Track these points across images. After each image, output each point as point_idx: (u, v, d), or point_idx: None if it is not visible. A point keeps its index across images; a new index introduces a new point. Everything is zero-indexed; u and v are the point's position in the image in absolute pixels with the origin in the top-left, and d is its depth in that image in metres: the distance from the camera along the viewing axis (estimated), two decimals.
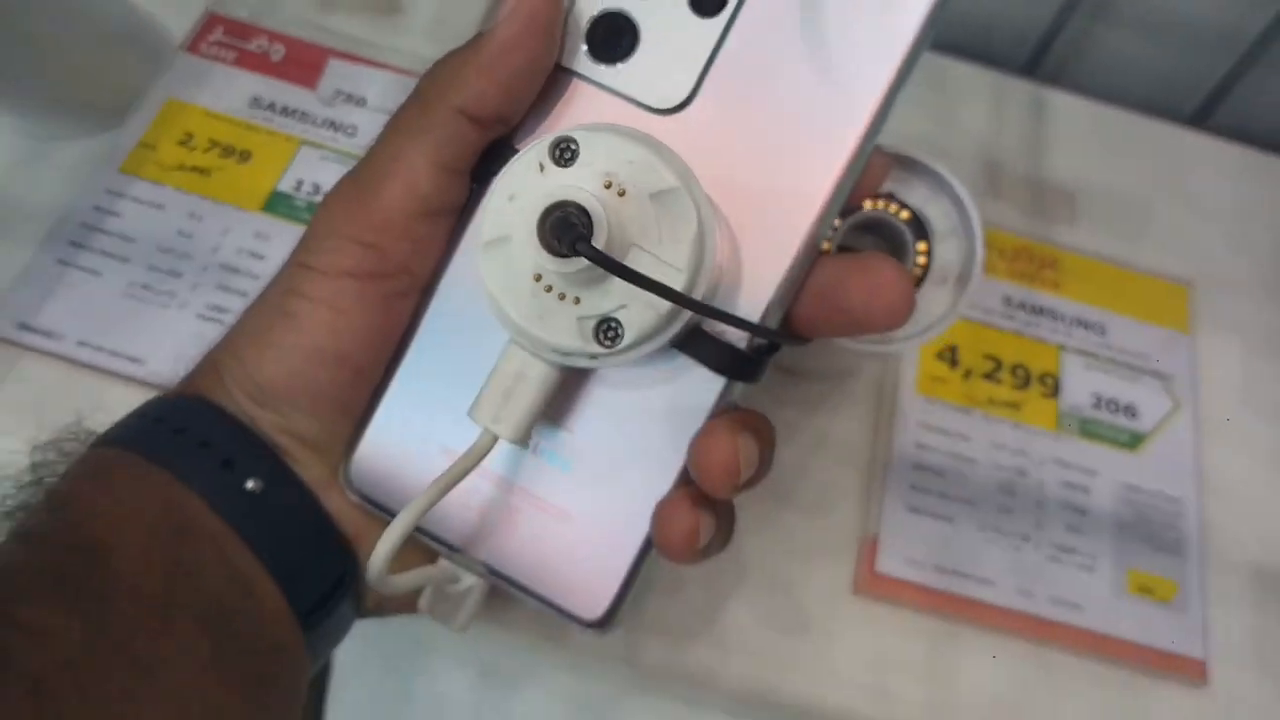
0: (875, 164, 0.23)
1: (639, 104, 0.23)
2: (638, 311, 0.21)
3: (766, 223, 0.22)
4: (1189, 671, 0.35)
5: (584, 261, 0.20)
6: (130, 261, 0.37)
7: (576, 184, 0.21)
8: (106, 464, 0.25)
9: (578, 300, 0.21)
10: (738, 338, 0.23)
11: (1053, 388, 0.40)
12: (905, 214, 0.33)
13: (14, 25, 0.35)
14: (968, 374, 0.40)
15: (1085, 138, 0.47)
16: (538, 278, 0.21)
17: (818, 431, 0.38)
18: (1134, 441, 0.39)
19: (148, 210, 0.39)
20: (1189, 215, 0.46)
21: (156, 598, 0.22)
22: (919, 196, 0.33)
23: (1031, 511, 0.37)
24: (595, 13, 0.23)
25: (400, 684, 0.39)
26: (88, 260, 0.37)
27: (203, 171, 0.40)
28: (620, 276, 0.20)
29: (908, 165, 0.34)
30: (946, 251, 0.33)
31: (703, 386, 0.23)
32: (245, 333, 0.25)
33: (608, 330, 0.21)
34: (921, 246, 0.33)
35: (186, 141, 0.41)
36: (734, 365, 0.23)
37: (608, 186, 0.21)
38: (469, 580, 0.26)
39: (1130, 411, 0.40)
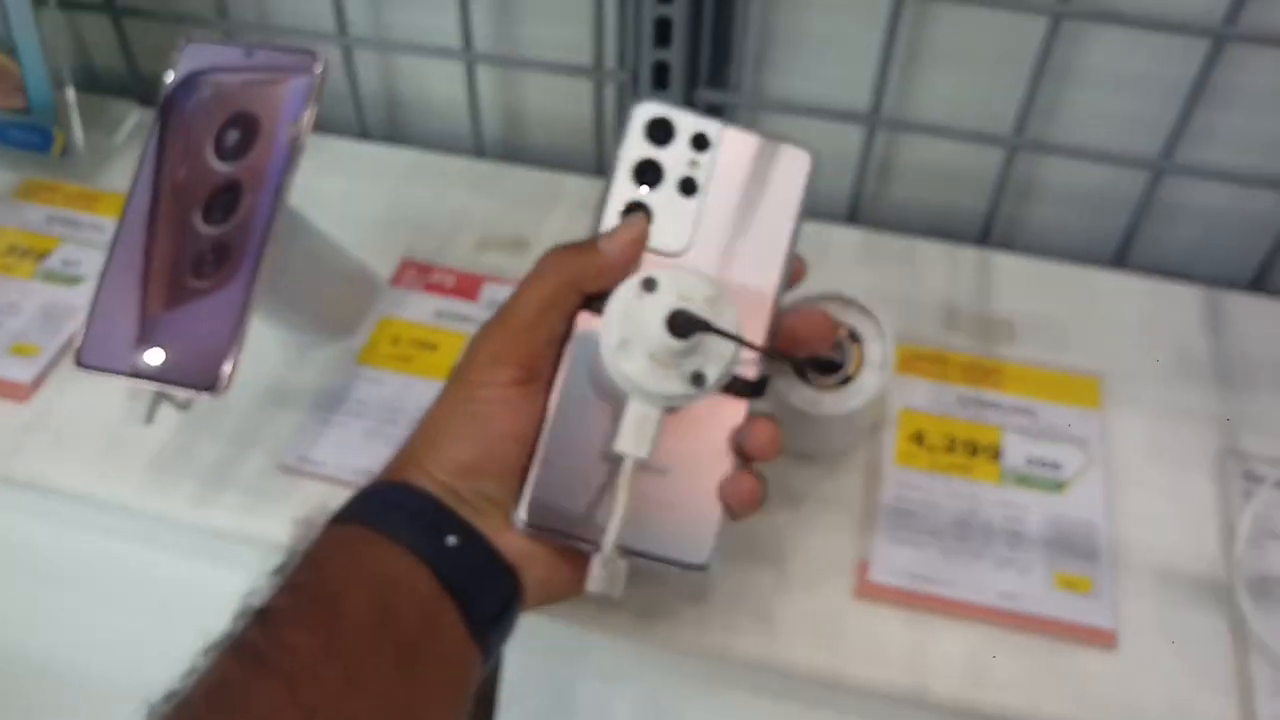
0: (797, 266, 0.43)
1: (661, 251, 0.42)
2: (715, 363, 0.40)
3: (750, 303, 0.41)
4: (1103, 640, 0.49)
5: (697, 339, 0.39)
6: (365, 417, 0.58)
7: (674, 300, 0.39)
8: (344, 535, 0.38)
9: (678, 365, 0.39)
10: (753, 374, 0.41)
11: (995, 454, 0.56)
12: (843, 330, 0.51)
13: (282, 274, 0.56)
14: (932, 449, 0.56)
15: (1022, 283, 0.65)
16: (653, 356, 0.39)
17: (824, 495, 0.55)
18: (1058, 487, 0.55)
19: (374, 385, 0.59)
20: (1103, 329, 0.62)
21: (369, 628, 0.35)
22: (855, 319, 0.51)
23: (981, 537, 0.53)
24: (625, 204, 0.43)
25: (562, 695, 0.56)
26: (339, 419, 0.58)
27: (407, 359, 0.61)
28: (732, 340, 0.39)
29: (849, 303, 0.52)
30: (873, 352, 0.50)
31: (736, 405, 0.42)
32: (438, 431, 0.40)
33: (697, 378, 0.39)
34: (856, 350, 0.51)
35: (396, 342, 0.62)
36: (752, 389, 0.41)
37: (684, 299, 0.39)
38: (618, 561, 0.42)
39: (1055, 466, 0.55)
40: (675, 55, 0.64)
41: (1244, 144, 0.63)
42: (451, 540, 0.38)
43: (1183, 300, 0.64)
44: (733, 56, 0.67)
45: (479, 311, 0.64)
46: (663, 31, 0.63)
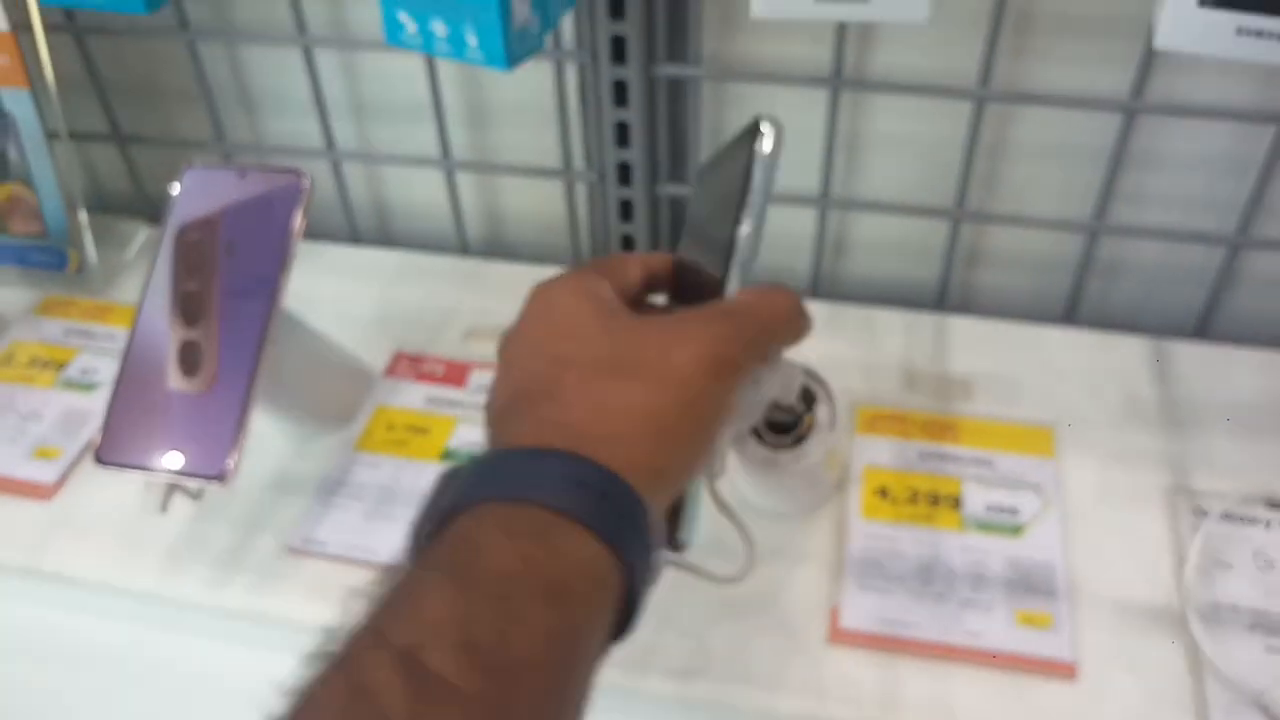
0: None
1: None
2: None
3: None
4: (1063, 671, 0.52)
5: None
6: (364, 499, 0.62)
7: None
8: (483, 510, 0.32)
9: None
10: None
11: (956, 504, 0.59)
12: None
13: (281, 371, 0.60)
14: (895, 501, 0.60)
15: (976, 343, 0.69)
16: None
17: (798, 549, 0.58)
18: (1017, 530, 0.58)
19: (371, 469, 0.63)
20: (1054, 382, 0.66)
21: (511, 576, 0.30)
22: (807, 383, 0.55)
23: (945, 580, 0.56)
24: None
25: None
26: (340, 501, 0.62)
27: (401, 444, 0.65)
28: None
29: (800, 371, 0.56)
30: (822, 414, 0.54)
31: None
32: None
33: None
34: (808, 415, 0.54)
35: (390, 428, 0.66)
36: None
37: None
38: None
39: (1013, 511, 0.59)
40: (636, 154, 0.70)
41: (1170, 203, 0.68)
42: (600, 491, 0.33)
43: (1129, 350, 0.68)
44: (689, 152, 0.73)
45: (467, 396, 0.68)
46: (622, 134, 0.69)
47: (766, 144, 0.39)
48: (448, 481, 0.35)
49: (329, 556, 0.59)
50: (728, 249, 0.40)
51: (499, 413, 0.38)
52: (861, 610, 0.55)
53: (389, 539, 0.59)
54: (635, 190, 0.71)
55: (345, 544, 0.59)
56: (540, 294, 0.42)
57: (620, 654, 0.34)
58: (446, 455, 0.64)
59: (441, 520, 0.33)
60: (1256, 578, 0.55)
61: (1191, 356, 0.68)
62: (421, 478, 0.63)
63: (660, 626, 0.45)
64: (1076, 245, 0.69)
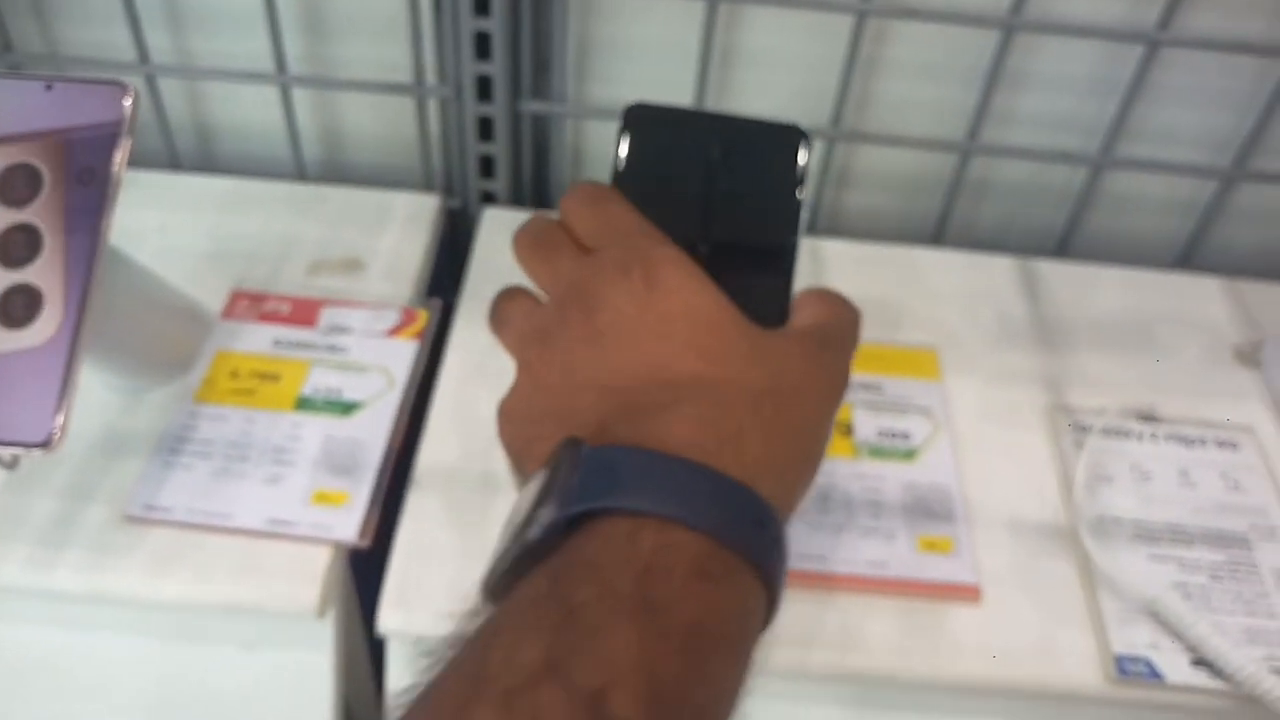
0: None
1: None
2: None
3: None
4: (967, 595, 0.52)
5: None
6: (211, 456, 0.55)
7: None
8: (661, 529, 0.29)
9: None
10: None
11: (847, 430, 0.58)
12: None
13: (107, 316, 0.53)
14: None
15: (852, 267, 0.68)
16: None
17: None
18: (910, 455, 0.57)
19: (217, 423, 0.57)
20: (932, 304, 0.66)
21: (702, 626, 0.28)
22: None
23: (843, 510, 0.55)
24: None
25: None
26: (184, 460, 0.55)
27: (249, 392, 0.58)
28: None
29: None
30: None
31: None
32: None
33: None
34: None
35: (235, 376, 0.59)
36: None
37: None
38: None
39: (905, 436, 0.58)
40: (497, 67, 0.64)
41: (1038, 123, 0.68)
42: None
43: (999, 270, 0.69)
44: (553, 66, 0.68)
45: (319, 337, 0.62)
46: (482, 45, 0.63)
47: (805, 155, 0.39)
48: (593, 464, 0.30)
49: (175, 523, 0.52)
50: (786, 261, 0.39)
51: (617, 414, 0.33)
52: None
53: (245, 500, 0.53)
54: (496, 107, 0.66)
55: (192, 509, 0.53)
56: (661, 285, 0.35)
57: None
58: (302, 403, 0.58)
59: (587, 509, 0.29)
60: (1135, 489, 0.57)
61: (1057, 275, 0.69)
62: (276, 429, 0.57)
63: None
64: (948, 165, 0.69)
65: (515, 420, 0.36)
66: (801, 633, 0.50)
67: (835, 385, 0.36)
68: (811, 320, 0.37)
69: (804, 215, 0.39)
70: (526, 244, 0.38)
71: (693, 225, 0.38)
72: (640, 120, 0.40)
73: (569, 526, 0.29)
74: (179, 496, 0.53)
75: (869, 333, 0.62)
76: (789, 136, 0.39)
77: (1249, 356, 0.64)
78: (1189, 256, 0.72)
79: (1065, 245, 0.72)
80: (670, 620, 0.27)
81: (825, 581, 0.52)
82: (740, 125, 0.40)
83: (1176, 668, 0.49)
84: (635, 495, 0.29)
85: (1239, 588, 0.52)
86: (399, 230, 0.69)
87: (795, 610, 0.51)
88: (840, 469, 0.56)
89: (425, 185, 0.73)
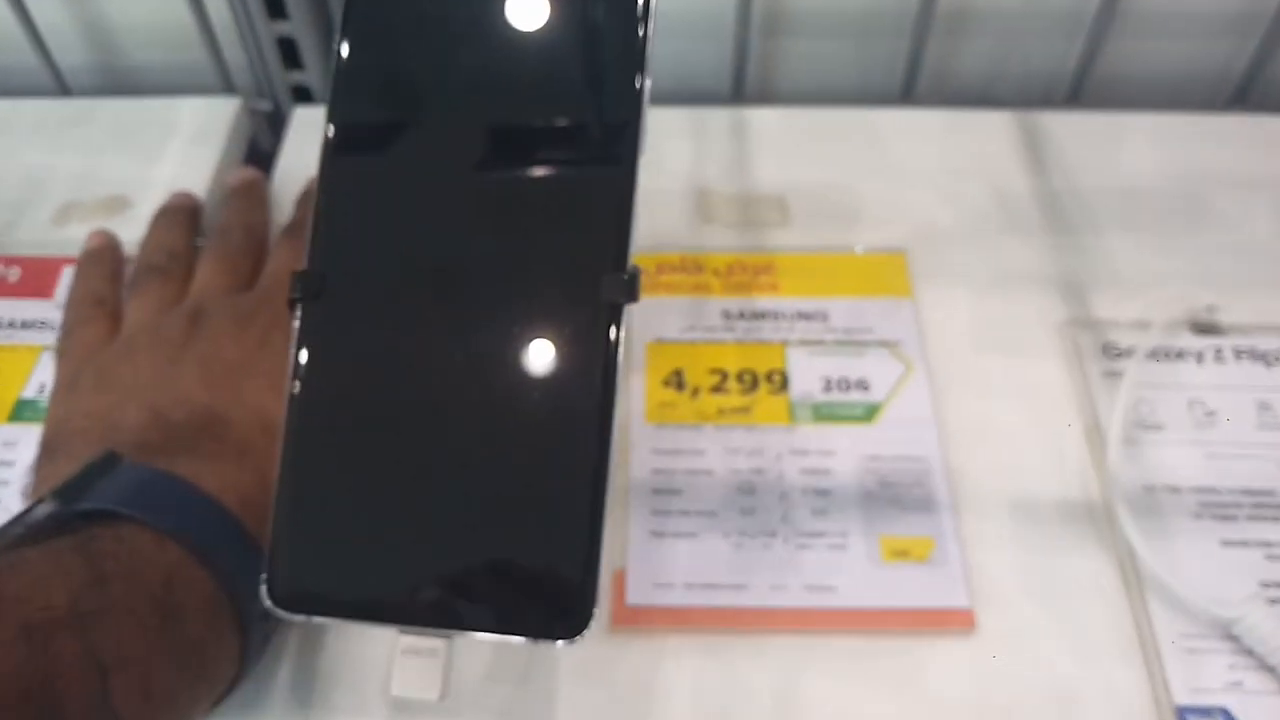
0: None
1: None
2: None
3: None
4: (957, 623, 0.35)
5: None
6: None
7: None
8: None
9: None
10: None
11: (781, 384, 0.41)
12: None
13: None
14: (695, 392, 0.41)
15: (788, 143, 0.49)
16: None
17: None
18: (869, 414, 0.40)
19: None
20: (898, 187, 0.47)
21: (152, 584, 0.29)
22: None
23: (775, 507, 0.38)
24: None
25: None
26: None
27: None
28: None
29: None
30: None
31: None
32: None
33: None
34: None
35: None
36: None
37: None
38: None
39: (863, 386, 0.41)
40: None
41: None
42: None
43: (989, 130, 0.50)
44: None
45: (53, 312, 0.45)
46: None
47: None
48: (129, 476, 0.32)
49: None
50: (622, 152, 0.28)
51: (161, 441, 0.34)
52: (656, 573, 0.36)
53: None
54: None
55: None
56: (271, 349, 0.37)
57: None
58: (18, 412, 0.42)
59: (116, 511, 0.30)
60: (1197, 438, 0.39)
61: (1070, 130, 0.50)
62: None
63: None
64: None
65: (72, 408, 0.36)
66: (717, 703, 0.34)
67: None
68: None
69: (646, 81, 0.28)
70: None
71: (464, 112, 0.29)
72: None
73: (84, 521, 0.30)
74: None
75: (807, 235, 0.46)
76: None
77: None
78: (1245, 92, 0.53)
79: (1079, 89, 0.53)
80: (183, 633, 0.29)
81: (745, 621, 0.35)
82: None
83: None
84: (165, 515, 0.30)
85: None
86: (183, 149, 0.52)
87: (700, 671, 0.34)
88: (771, 444, 0.39)
89: (223, 84, 0.55)
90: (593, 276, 0.27)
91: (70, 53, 0.56)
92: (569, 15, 0.28)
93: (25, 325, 0.45)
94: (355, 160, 0.29)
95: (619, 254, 0.27)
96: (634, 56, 0.28)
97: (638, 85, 0.28)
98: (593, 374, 0.27)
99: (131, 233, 0.46)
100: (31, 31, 0.53)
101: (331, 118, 0.29)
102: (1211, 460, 0.39)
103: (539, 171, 0.28)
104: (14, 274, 0.47)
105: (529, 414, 0.27)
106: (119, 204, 0.49)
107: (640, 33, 0.28)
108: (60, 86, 0.56)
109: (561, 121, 0.28)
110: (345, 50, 0.29)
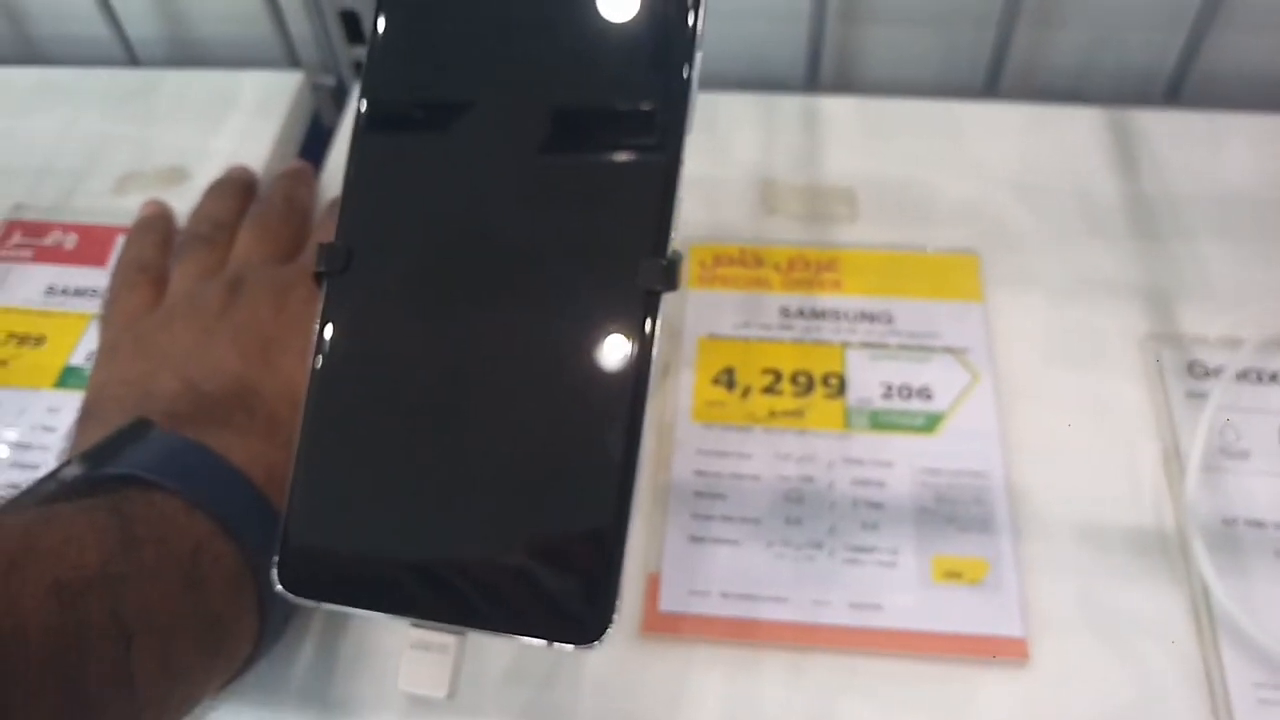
0: None
1: None
2: None
3: None
4: (1010, 652, 0.33)
5: None
6: None
7: None
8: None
9: None
10: None
11: (838, 387, 0.39)
12: None
13: None
14: (746, 392, 0.39)
15: (861, 134, 0.47)
16: None
17: None
18: (931, 424, 0.38)
19: None
20: (975, 184, 0.45)
21: (182, 557, 0.28)
22: None
23: (823, 517, 0.36)
24: None
25: None
26: None
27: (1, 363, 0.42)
28: None
29: None
30: None
31: None
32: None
33: None
34: None
35: None
36: None
37: None
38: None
39: (925, 394, 0.38)
40: None
41: None
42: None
43: (1077, 128, 0.47)
44: None
45: (106, 280, 0.44)
46: None
47: None
48: (161, 444, 0.31)
49: None
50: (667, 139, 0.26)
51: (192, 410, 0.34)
52: (693, 580, 0.35)
53: None
54: None
55: None
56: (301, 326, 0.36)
57: None
58: (64, 378, 0.42)
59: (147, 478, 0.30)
60: None
61: (1166, 130, 0.47)
62: (24, 418, 0.41)
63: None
64: None
65: (111, 375, 0.36)
66: (746, 713, 0.32)
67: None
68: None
69: (695, 63, 0.26)
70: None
71: (500, 90, 0.27)
72: None
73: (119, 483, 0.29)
74: None
75: (875, 231, 0.43)
76: None
77: None
78: None
79: (1178, 87, 0.50)
80: (206, 606, 0.28)
81: (783, 636, 0.34)
82: None
83: None
84: (196, 485, 0.30)
85: None
86: (244, 123, 0.51)
87: (732, 685, 0.33)
88: (823, 449, 0.37)
89: (288, 60, 0.55)
90: (630, 262, 0.26)
91: (140, 24, 0.55)
92: None
93: (79, 293, 0.45)
94: (388, 136, 0.28)
95: (659, 239, 0.26)
96: (683, 38, 0.26)
97: (685, 67, 0.26)
98: (625, 365, 0.25)
99: (188, 204, 0.46)
100: (103, 2, 0.53)
101: (365, 91, 0.28)
102: None
103: (578, 153, 0.27)
104: (71, 241, 0.47)
105: (555, 404, 0.26)
106: (178, 175, 0.49)
107: (690, 14, 0.26)
108: (129, 57, 0.56)
109: (603, 102, 0.27)
110: (381, 23, 0.28)
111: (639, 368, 0.25)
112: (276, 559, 0.26)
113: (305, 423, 0.27)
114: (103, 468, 0.30)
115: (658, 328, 0.25)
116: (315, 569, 0.27)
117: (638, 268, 0.25)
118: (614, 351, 0.26)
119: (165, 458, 0.30)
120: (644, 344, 0.25)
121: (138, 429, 0.31)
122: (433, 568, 0.26)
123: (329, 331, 0.27)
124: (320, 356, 0.27)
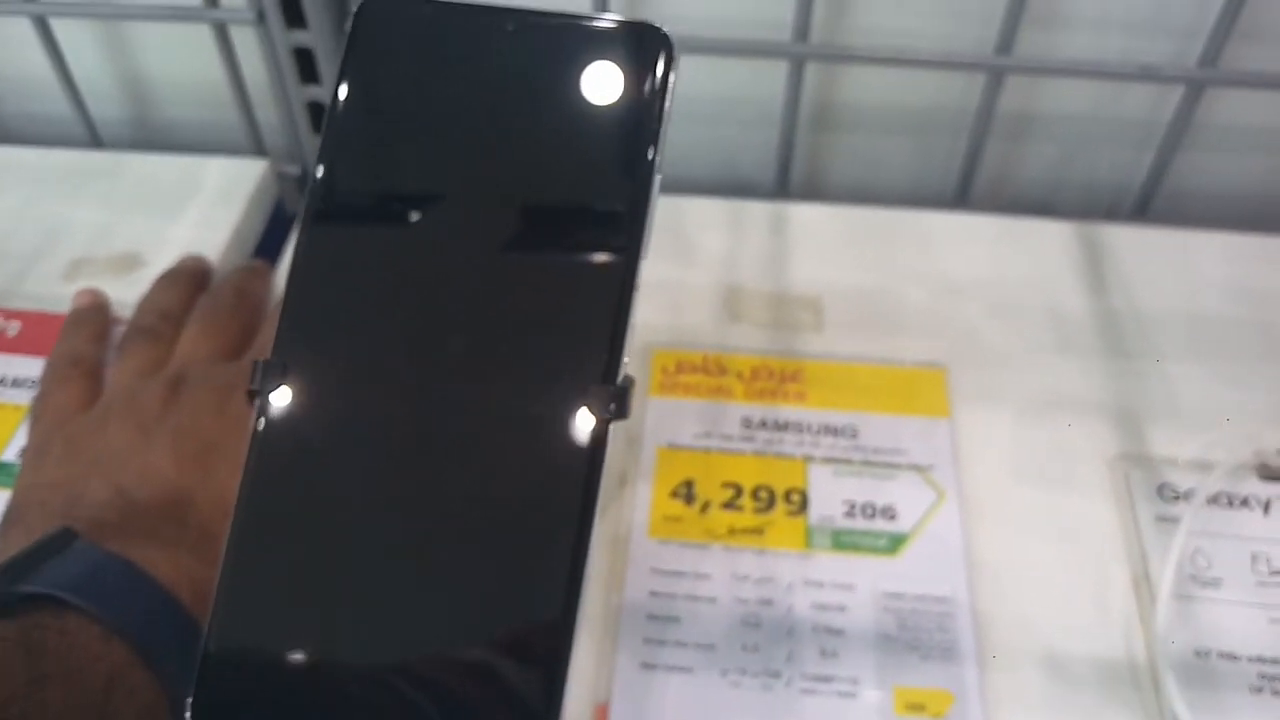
0: None
1: None
2: None
3: None
4: None
5: None
6: None
7: None
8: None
9: None
10: None
11: (800, 504, 0.37)
12: None
13: None
14: (705, 507, 0.37)
15: (829, 242, 0.47)
16: None
17: None
18: (894, 545, 0.36)
19: None
20: (943, 296, 0.44)
21: (94, 691, 0.27)
22: None
23: (781, 643, 0.34)
24: None
25: None
26: None
27: None
28: None
29: None
30: None
31: None
32: None
33: None
34: None
35: None
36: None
37: None
38: None
39: (888, 513, 0.37)
40: None
41: (1104, 27, 0.46)
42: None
43: (1046, 242, 0.47)
44: None
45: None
46: None
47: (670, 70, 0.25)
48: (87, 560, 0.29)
49: None
50: (627, 241, 0.25)
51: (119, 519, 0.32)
52: (643, 711, 0.33)
53: None
54: (313, 33, 0.46)
55: None
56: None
57: None
58: None
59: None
60: (1257, 597, 0.35)
61: (1135, 246, 0.47)
62: None
63: None
64: (973, 91, 0.47)
65: (38, 477, 0.35)
66: None
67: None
68: None
69: (655, 179, 0.25)
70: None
71: (451, 194, 0.26)
72: (382, 20, 0.26)
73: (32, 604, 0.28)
74: None
75: (841, 342, 0.42)
76: (643, 41, 0.26)
77: None
78: None
79: (1147, 203, 0.50)
80: None
81: None
82: (553, 28, 0.26)
83: None
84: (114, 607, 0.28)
85: None
86: (204, 210, 0.50)
87: None
88: (783, 570, 0.36)
89: (254, 147, 0.54)
90: (579, 387, 0.24)
91: (106, 105, 0.55)
92: (580, 97, 0.26)
93: (15, 383, 0.43)
94: (331, 238, 0.27)
95: (610, 364, 0.25)
96: (644, 150, 0.25)
97: (646, 182, 0.25)
98: (569, 498, 0.24)
99: (139, 293, 0.45)
100: (67, 82, 0.52)
101: (309, 191, 0.27)
102: (1276, 625, 0.34)
103: (532, 267, 0.26)
104: (14, 328, 0.45)
105: (495, 535, 0.24)
106: (131, 262, 0.48)
107: (655, 126, 0.25)
108: (93, 138, 0.55)
109: (559, 214, 0.26)
110: (334, 121, 0.27)
111: (585, 501, 0.24)
112: (191, 694, 0.25)
113: (228, 551, 0.25)
114: (20, 583, 0.28)
115: (605, 458, 0.24)
116: (237, 702, 0.25)
117: (586, 393, 0.24)
118: (558, 485, 0.24)
119: (86, 575, 0.29)
120: (590, 478, 0.24)
121: (60, 540, 0.30)
122: (359, 706, 0.24)
123: (259, 452, 0.26)
124: (249, 475, 0.25)
